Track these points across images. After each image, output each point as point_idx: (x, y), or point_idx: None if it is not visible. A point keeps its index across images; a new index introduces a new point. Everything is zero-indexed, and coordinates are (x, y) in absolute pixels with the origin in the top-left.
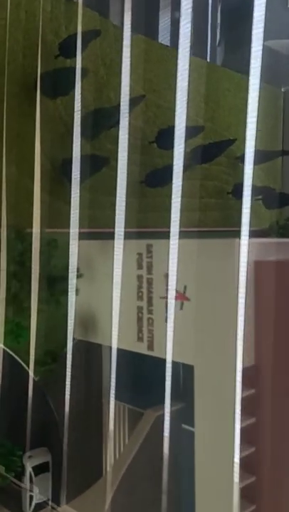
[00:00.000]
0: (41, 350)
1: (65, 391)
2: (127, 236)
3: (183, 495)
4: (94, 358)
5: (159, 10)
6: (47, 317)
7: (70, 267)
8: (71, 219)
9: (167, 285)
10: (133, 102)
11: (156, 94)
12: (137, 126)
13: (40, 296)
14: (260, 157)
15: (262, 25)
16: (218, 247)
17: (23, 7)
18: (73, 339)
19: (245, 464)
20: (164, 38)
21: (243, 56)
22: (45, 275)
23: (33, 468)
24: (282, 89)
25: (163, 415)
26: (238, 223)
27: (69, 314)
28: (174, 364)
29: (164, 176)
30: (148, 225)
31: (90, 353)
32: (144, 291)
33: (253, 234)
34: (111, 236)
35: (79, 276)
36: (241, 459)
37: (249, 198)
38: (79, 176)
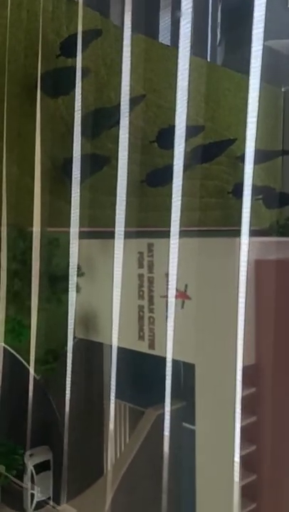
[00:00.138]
0: (43, 348)
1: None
2: (129, 235)
3: (183, 493)
4: (95, 356)
5: (160, 10)
6: (48, 316)
7: (70, 266)
8: (71, 218)
9: (167, 284)
10: (134, 102)
11: (156, 93)
12: (137, 126)
13: (42, 294)
14: (261, 157)
15: (262, 25)
16: (219, 246)
17: (24, 6)
18: (74, 338)
19: (246, 463)
20: (164, 37)
21: (243, 56)
22: (46, 274)
23: (35, 466)
24: (283, 89)
25: (164, 414)
26: (239, 223)
27: (69, 313)
28: (175, 363)
29: (165, 175)
30: (149, 224)
31: (91, 352)
32: (145, 290)
33: (253, 233)
34: (112, 235)
35: (80, 274)
36: (242, 457)
37: (249, 197)
38: (79, 175)
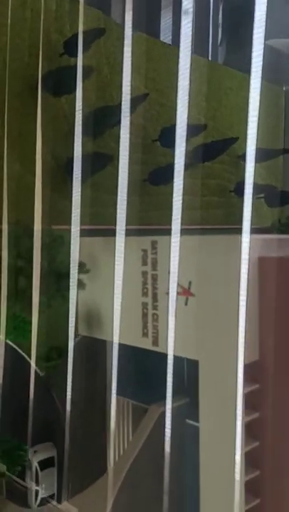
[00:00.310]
0: (47, 345)
1: (71, 387)
2: (132, 233)
3: (187, 490)
4: (99, 353)
5: (161, 9)
6: (53, 313)
7: (71, 264)
8: (72, 217)
9: (174, 281)
10: (136, 101)
11: (158, 92)
12: (140, 125)
13: (46, 292)
14: (262, 155)
15: (263, 24)
16: (222, 243)
17: (28, 6)
18: (78, 335)
19: (250, 458)
20: (165, 36)
21: (244, 55)
22: (51, 271)
23: (39, 463)
24: (284, 88)
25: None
26: (241, 221)
27: (70, 311)
28: (179, 359)
29: (167, 174)
30: (153, 222)
31: (95, 349)
32: (149, 288)
33: (255, 232)
34: (115, 233)
35: (85, 271)
36: (245, 453)
37: (251, 195)
38: (80, 174)
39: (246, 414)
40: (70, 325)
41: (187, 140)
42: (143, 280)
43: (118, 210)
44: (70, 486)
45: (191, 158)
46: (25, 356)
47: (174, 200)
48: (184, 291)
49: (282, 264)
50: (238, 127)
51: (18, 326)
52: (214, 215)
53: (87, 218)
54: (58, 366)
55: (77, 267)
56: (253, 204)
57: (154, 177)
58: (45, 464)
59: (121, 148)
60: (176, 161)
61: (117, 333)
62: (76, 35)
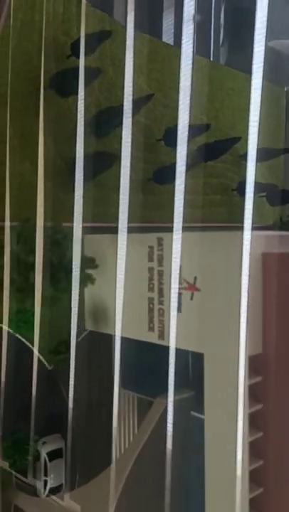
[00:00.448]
0: (55, 339)
1: (78, 380)
2: (139, 230)
3: (192, 480)
4: (105, 348)
5: (163, 10)
6: (62, 307)
7: (73, 262)
8: (74, 215)
9: (178, 277)
10: (141, 101)
11: (162, 93)
12: (145, 125)
13: (56, 286)
14: (264, 155)
15: (264, 25)
16: (225, 239)
17: (37, 9)
18: (85, 330)
19: (253, 448)
20: (168, 38)
21: (246, 56)
22: (62, 267)
23: (48, 454)
24: (285, 89)
25: (174, 403)
26: (243, 219)
27: (72, 309)
28: (184, 352)
29: (172, 173)
30: (159, 220)
31: (101, 344)
32: (155, 283)
33: (257, 230)
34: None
35: (95, 266)
36: (249, 444)
37: (252, 192)
38: (82, 173)
39: (250, 406)
40: (72, 322)
41: (191, 140)
42: (149, 276)
43: (120, 209)
44: (78, 477)
45: (195, 158)
46: (35, 350)
47: (175, 199)
48: (190, 287)
49: (285, 260)
50: (240, 127)
51: (28, 320)
52: (217, 213)
53: (94, 216)
54: (66, 360)
55: (79, 265)
56: (255, 203)
57: (158, 176)
58: (53, 455)
59: (123, 148)
60: (178, 161)
61: (118, 327)
62: (83, 37)
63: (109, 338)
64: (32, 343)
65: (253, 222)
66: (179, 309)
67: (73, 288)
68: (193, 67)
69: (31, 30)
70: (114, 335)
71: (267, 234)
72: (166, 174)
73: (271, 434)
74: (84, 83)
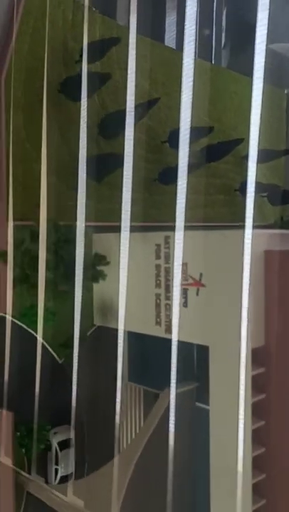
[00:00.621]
0: (67, 334)
1: (87, 373)
2: (147, 229)
3: (198, 472)
4: (113, 342)
5: (166, 14)
6: (73, 302)
7: (76, 260)
8: (78, 214)
9: (184, 273)
10: (148, 105)
11: (168, 96)
12: (151, 127)
13: (68, 283)
14: (266, 156)
15: (265, 28)
16: (229, 237)
17: (48, 15)
18: (93, 325)
19: (256, 436)
20: (170, 41)
21: (248, 58)
22: (74, 263)
23: (58, 443)
24: (286, 91)
25: (179, 394)
26: (245, 218)
27: (75, 308)
28: (189, 346)
29: (176, 174)
30: (166, 219)
31: (109, 338)
32: (162, 280)
33: (259, 229)
34: (130, 229)
35: (106, 263)
36: (252, 432)
37: (253, 190)
38: (85, 174)
39: (253, 396)
40: (75, 317)
41: (195, 141)
42: (156, 272)
43: (123, 209)
44: (86, 467)
45: (199, 159)
46: (46, 345)
47: (177, 199)
48: (195, 283)
49: (286, 257)
50: (242, 129)
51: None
52: (220, 213)
53: (104, 215)
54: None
55: (82, 263)
56: (256, 202)
57: (163, 177)
58: (64, 445)
59: (126, 148)
60: (180, 162)
61: (122, 320)
62: (92, 43)
63: (117, 333)
64: (43, 338)
65: (255, 221)
66: (185, 304)
67: (76, 286)
68: (195, 70)
69: (42, 35)
70: (120, 329)
71: (269, 232)
72: (171, 175)
73: (273, 422)
74: (94, 87)
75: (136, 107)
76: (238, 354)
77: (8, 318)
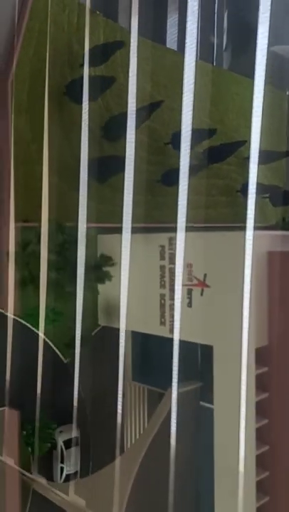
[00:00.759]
0: (72, 334)
1: (91, 373)
2: (151, 230)
3: (202, 470)
4: (118, 342)
5: (167, 16)
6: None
7: (78, 261)
8: (80, 216)
9: (189, 274)
10: (152, 107)
11: (170, 98)
12: (154, 129)
13: (74, 283)
14: (267, 157)
15: (267, 30)
16: (232, 238)
17: (52, 19)
18: (98, 325)
19: (259, 434)
20: (172, 43)
21: (249, 60)
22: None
23: (64, 442)
24: (287, 93)
25: (183, 394)
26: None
27: (77, 309)
28: (194, 345)
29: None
30: (170, 220)
31: (113, 338)
32: (167, 280)
33: (261, 230)
34: (134, 230)
35: (112, 264)
36: (256, 430)
37: (254, 191)
38: (86, 177)
39: (256, 395)
40: (77, 321)
41: (198, 143)
42: (161, 273)
43: (124, 210)
44: (91, 464)
45: (202, 160)
46: (51, 344)
47: (179, 199)
48: (200, 283)
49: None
50: (244, 131)
51: (47, 316)
52: (222, 213)
53: (108, 216)
54: (81, 353)
55: (83, 265)
56: (258, 203)
57: (166, 178)
58: (69, 444)
59: (127, 150)
60: (181, 163)
61: (123, 320)
62: (96, 47)
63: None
64: (49, 338)
65: (256, 222)
66: (190, 305)
67: (78, 287)
68: (197, 73)
69: (46, 40)
70: (125, 329)
71: (272, 233)
72: (174, 176)
73: (276, 421)
74: (98, 91)
75: (139, 109)
76: (242, 354)
77: (10, 317)
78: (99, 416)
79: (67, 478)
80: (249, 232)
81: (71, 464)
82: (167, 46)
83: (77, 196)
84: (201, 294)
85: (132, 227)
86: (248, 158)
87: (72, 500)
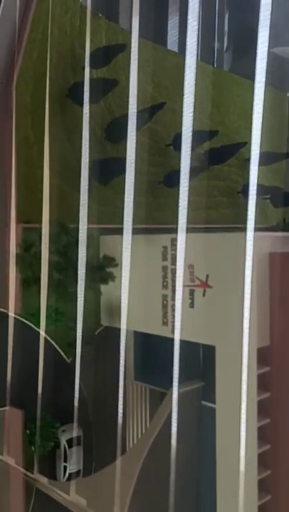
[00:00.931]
0: (74, 333)
1: (94, 372)
2: (153, 231)
3: (204, 469)
4: (119, 342)
5: (168, 18)
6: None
7: (79, 262)
8: (80, 216)
9: (191, 274)
10: (154, 109)
11: (172, 100)
12: (156, 130)
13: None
14: (268, 159)
15: (267, 31)
16: (234, 239)
17: (56, 22)
18: (100, 325)
19: (261, 434)
20: (172, 45)
21: (250, 62)
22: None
23: (67, 441)
24: (288, 94)
25: (185, 393)
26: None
27: (78, 308)
28: (196, 345)
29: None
30: (172, 221)
31: (116, 338)
32: (169, 281)
33: (262, 231)
34: (136, 231)
35: (115, 265)
36: (258, 429)
37: (255, 192)
38: (88, 178)
39: (258, 394)
40: (78, 320)
41: (199, 144)
42: (163, 274)
43: (125, 211)
44: (94, 464)
45: (203, 162)
46: (54, 344)
47: (180, 200)
48: (202, 284)
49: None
50: (245, 132)
51: (50, 316)
52: (224, 214)
53: (110, 217)
54: (83, 353)
55: (84, 266)
56: (259, 204)
57: (168, 179)
58: (72, 443)
59: (128, 152)
60: (182, 164)
61: (124, 321)
62: (98, 50)
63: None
64: (52, 338)
65: (258, 223)
66: (192, 305)
67: (78, 288)
68: (198, 74)
69: (51, 42)
70: (127, 330)
71: (274, 235)
72: (176, 178)
73: (277, 420)
74: (101, 93)
75: (141, 111)
76: (244, 354)
77: (13, 318)
78: (101, 415)
79: (71, 477)
80: (250, 233)
81: (74, 462)
82: (168, 48)
83: (77, 197)
84: (203, 295)
85: (135, 228)
86: (248, 160)
87: (73, 500)
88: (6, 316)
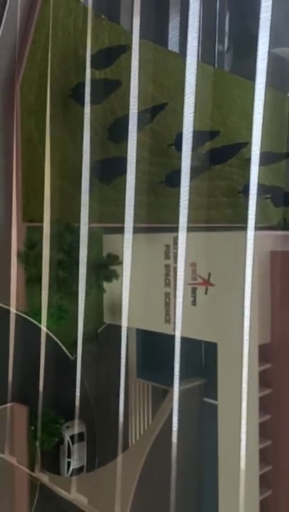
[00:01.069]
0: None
1: (96, 370)
2: (156, 230)
3: (206, 466)
4: (120, 339)
5: (169, 19)
6: (86, 301)
7: (80, 262)
8: (81, 216)
9: (193, 273)
10: (155, 110)
11: (173, 100)
12: (158, 130)
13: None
14: (268, 159)
15: (268, 32)
16: (235, 238)
17: (60, 24)
18: (103, 323)
19: (262, 429)
20: (173, 45)
21: (251, 62)
22: (89, 263)
23: (70, 437)
24: (288, 94)
25: (187, 390)
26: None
27: (79, 308)
28: (197, 342)
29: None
30: (174, 220)
31: (118, 336)
32: (171, 279)
33: (263, 230)
34: (139, 230)
35: (119, 263)
36: (259, 425)
37: (255, 192)
38: (89, 178)
39: (259, 391)
40: (79, 317)
41: (200, 144)
42: (166, 272)
43: (126, 211)
44: (97, 460)
45: (204, 162)
46: (58, 341)
47: (180, 200)
48: (204, 282)
49: None
50: (246, 132)
51: (54, 314)
52: (225, 214)
53: (112, 216)
54: (87, 351)
55: (85, 264)
56: (260, 204)
57: (170, 179)
58: (76, 438)
59: (129, 152)
60: (183, 164)
61: (125, 319)
62: (101, 51)
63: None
64: (56, 335)
65: (259, 223)
66: (194, 303)
67: (80, 286)
68: (199, 75)
69: (55, 43)
70: (130, 327)
71: (275, 233)
72: (177, 177)
73: (278, 416)
74: (103, 94)
75: (143, 111)
76: (245, 351)
77: (18, 314)
78: (104, 412)
79: (74, 472)
80: (250, 232)
81: (78, 458)
82: (169, 49)
83: (79, 196)
84: (206, 293)
85: (138, 227)
86: (249, 160)
87: (74, 498)
88: (14, 315)
